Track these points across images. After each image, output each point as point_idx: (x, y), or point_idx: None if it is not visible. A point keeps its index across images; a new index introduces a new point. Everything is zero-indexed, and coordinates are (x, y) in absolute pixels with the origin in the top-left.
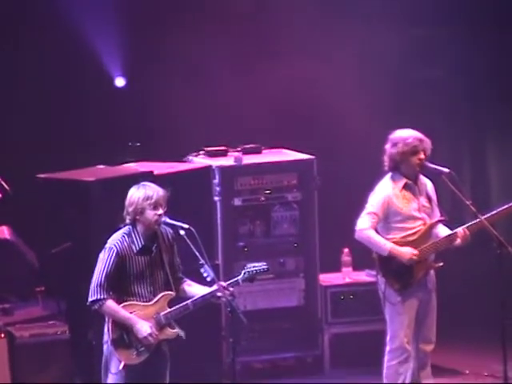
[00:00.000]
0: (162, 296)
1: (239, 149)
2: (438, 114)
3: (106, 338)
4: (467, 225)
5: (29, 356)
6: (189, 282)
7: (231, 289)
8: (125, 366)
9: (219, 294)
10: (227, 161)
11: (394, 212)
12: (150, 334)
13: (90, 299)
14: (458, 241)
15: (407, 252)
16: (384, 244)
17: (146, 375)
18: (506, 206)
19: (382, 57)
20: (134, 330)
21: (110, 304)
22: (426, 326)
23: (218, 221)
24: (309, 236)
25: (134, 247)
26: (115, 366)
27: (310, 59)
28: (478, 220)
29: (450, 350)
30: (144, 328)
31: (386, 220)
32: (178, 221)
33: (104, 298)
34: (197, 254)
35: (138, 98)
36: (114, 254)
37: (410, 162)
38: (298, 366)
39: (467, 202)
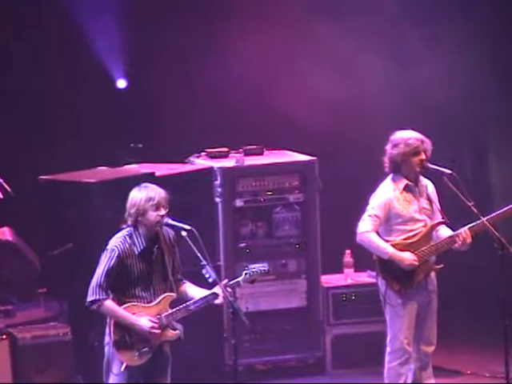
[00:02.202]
0: (164, 297)
1: (241, 150)
2: (439, 114)
3: (107, 339)
4: (469, 226)
5: (31, 357)
6: (188, 283)
7: (230, 290)
8: (127, 367)
9: (219, 295)
10: (229, 162)
11: (394, 214)
12: (153, 327)
13: (88, 299)
14: (458, 243)
15: (407, 258)
16: (385, 248)
17: (147, 376)
18: (508, 207)
19: (383, 59)
20: (136, 328)
21: (109, 304)
22: (427, 327)
23: (220, 222)
24: (310, 237)
25: (135, 249)
26: (117, 368)
27: (313, 64)
28: (479, 221)
29: (452, 351)
30: (144, 324)
31: (387, 222)
32: (180, 222)
33: (102, 299)
34: (199, 255)
35: (140, 99)
36: (115, 256)
37: (411, 162)
38: (300, 368)
39: (469, 204)
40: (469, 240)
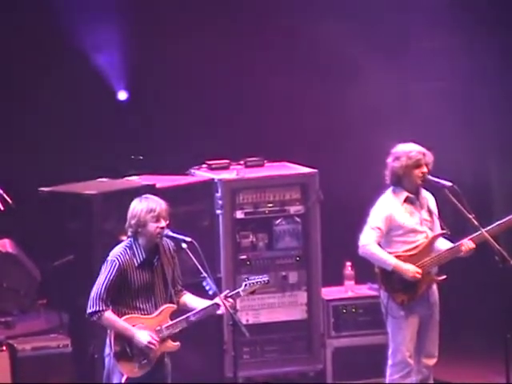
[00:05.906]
0: (164, 309)
1: (242, 162)
2: (439, 126)
3: (107, 350)
4: (470, 237)
5: (31, 369)
6: (188, 294)
7: (231, 300)
8: (127, 378)
9: (220, 306)
10: (230, 174)
11: (395, 226)
12: (150, 342)
13: (88, 311)
14: (463, 251)
15: (411, 270)
16: (388, 259)
17: None
18: (508, 218)
19: (383, 69)
20: (135, 340)
21: (109, 315)
22: (429, 339)
23: (221, 234)
24: (311, 249)
25: (135, 260)
26: (117, 379)
27: (311, 74)
28: (479, 232)
29: (453, 364)
30: (143, 337)
31: (388, 234)
32: (181, 234)
33: (102, 310)
34: (199, 267)
35: (141, 111)
36: (116, 267)
37: (413, 175)
38: (301, 380)
39: (469, 216)
40: (472, 246)
